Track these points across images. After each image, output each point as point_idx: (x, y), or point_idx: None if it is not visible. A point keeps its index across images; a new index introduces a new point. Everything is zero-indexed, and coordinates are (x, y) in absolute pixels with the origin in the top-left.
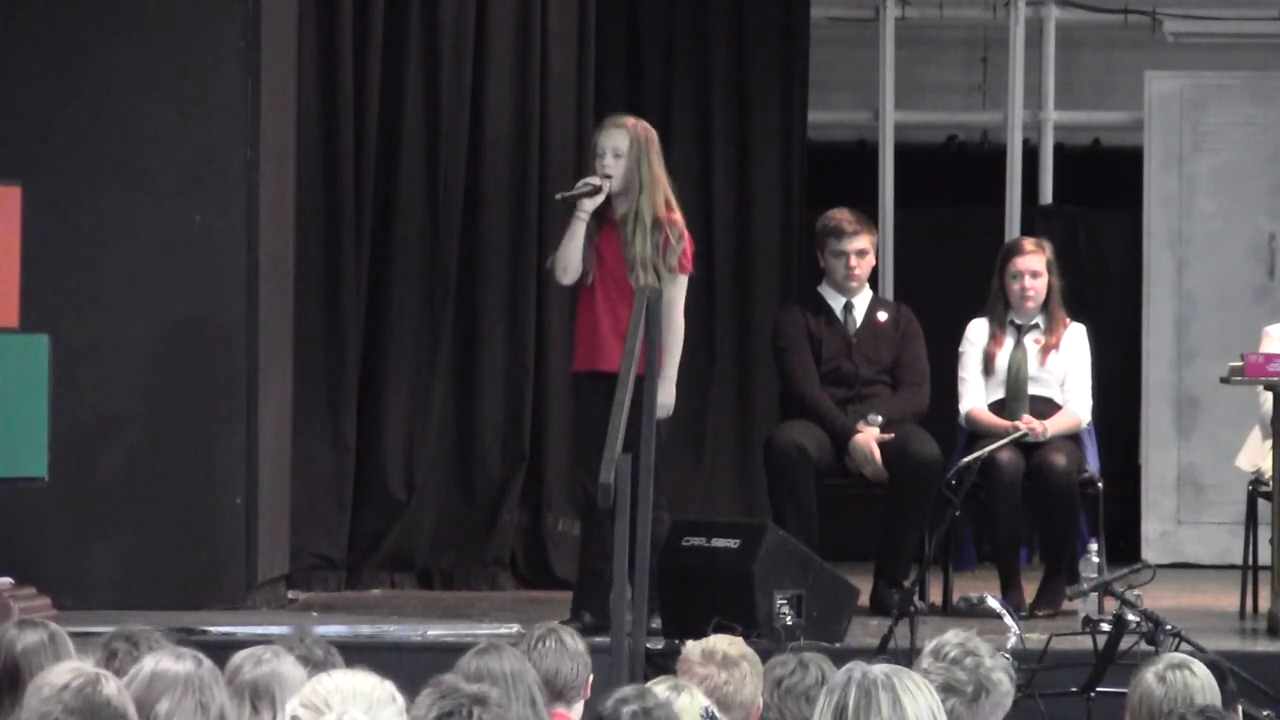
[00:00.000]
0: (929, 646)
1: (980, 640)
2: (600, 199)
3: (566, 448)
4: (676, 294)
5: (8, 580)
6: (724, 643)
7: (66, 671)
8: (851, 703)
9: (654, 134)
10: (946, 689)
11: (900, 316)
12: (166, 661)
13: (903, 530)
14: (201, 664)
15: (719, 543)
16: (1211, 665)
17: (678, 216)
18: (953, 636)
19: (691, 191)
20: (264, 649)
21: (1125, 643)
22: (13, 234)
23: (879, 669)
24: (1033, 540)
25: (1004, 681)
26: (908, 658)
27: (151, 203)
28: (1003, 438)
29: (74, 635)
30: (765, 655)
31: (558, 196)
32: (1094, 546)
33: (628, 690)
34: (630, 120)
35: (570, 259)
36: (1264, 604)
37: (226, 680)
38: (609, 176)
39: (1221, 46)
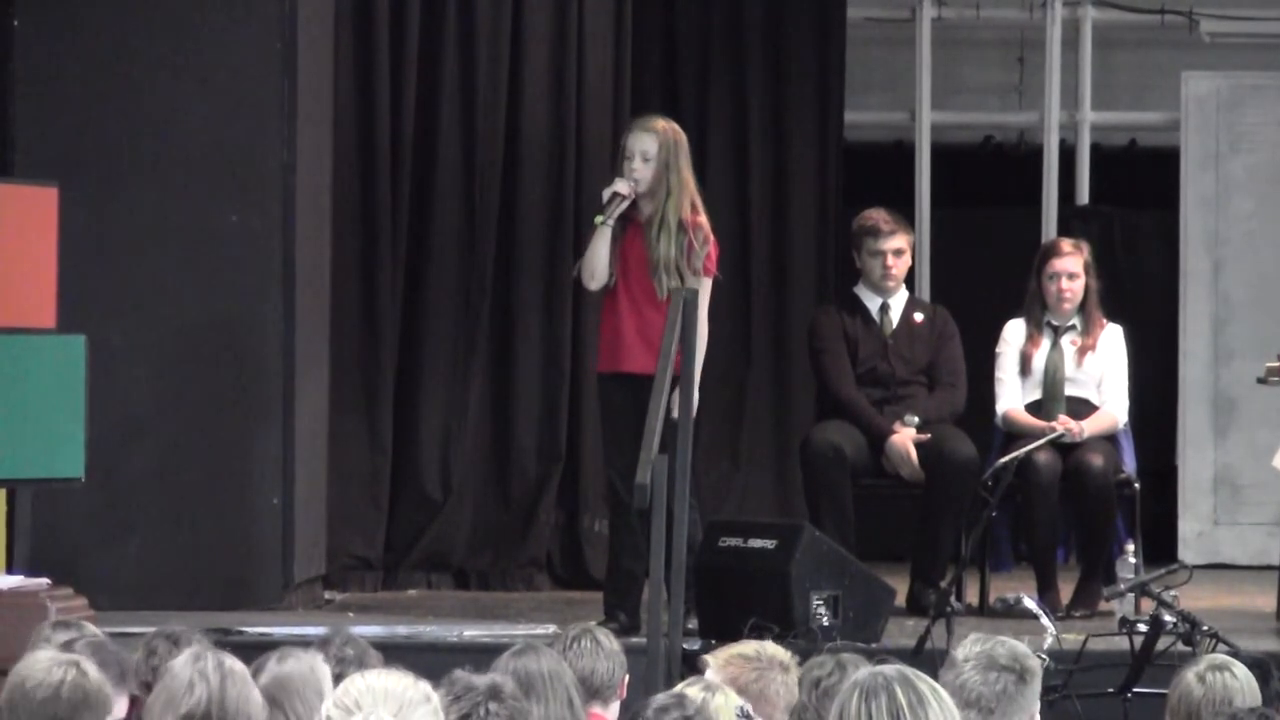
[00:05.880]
0: (956, 649)
1: (1000, 643)
2: (627, 204)
3: (602, 448)
4: (701, 297)
5: (44, 581)
6: (767, 646)
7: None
8: (854, 707)
9: (683, 137)
10: (961, 689)
11: (936, 317)
12: (181, 663)
13: (939, 531)
14: (223, 666)
15: (755, 543)
16: (1256, 664)
17: (703, 219)
18: (975, 640)
19: (728, 192)
20: (281, 650)
21: (1162, 644)
22: (50, 235)
23: (888, 670)
24: (1069, 541)
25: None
26: (944, 659)
27: (188, 203)
28: (1039, 438)
29: (110, 636)
30: (802, 656)
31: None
32: (1130, 547)
33: (663, 698)
34: (660, 124)
35: (597, 265)
36: None
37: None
38: (637, 181)
39: (1258, 46)
